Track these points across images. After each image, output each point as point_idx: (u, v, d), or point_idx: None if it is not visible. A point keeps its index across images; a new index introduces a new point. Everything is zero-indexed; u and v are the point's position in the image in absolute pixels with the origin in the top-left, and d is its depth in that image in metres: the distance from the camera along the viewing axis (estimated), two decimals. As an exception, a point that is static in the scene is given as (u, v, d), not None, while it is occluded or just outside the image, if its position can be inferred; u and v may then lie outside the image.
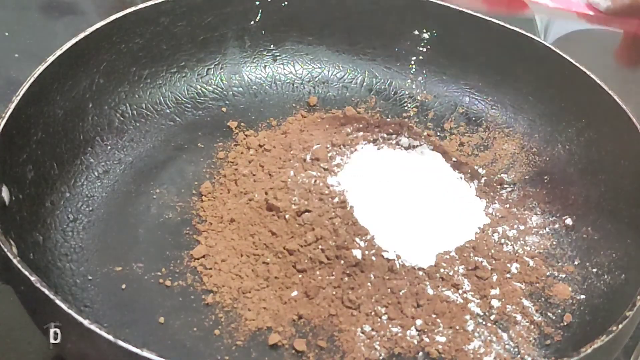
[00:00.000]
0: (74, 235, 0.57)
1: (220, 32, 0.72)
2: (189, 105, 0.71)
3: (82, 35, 0.62)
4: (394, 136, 0.69)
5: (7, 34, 0.80)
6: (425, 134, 0.70)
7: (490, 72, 0.73)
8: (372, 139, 0.68)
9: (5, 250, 0.46)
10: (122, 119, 0.66)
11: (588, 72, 0.66)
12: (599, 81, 0.65)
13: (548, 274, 0.59)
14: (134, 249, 0.58)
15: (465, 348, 0.53)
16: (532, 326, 0.56)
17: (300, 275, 0.56)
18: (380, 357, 0.53)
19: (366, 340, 0.53)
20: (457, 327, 0.54)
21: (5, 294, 0.52)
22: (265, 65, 0.75)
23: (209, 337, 0.53)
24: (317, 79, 0.75)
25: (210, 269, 0.56)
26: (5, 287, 0.48)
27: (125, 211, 0.60)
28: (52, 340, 0.44)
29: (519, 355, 0.53)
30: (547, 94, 0.70)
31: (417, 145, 0.68)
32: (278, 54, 0.75)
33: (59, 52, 0.60)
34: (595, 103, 0.65)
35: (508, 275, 0.59)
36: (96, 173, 0.62)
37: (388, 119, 0.72)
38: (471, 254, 0.59)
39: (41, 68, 0.58)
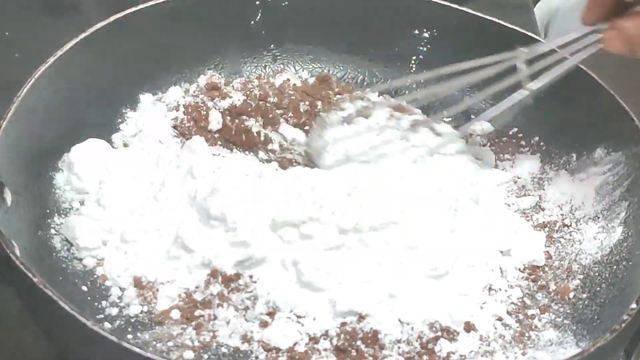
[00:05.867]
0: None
1: (220, 32, 0.72)
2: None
3: (82, 35, 0.62)
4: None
5: (7, 33, 0.80)
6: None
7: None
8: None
9: (8, 251, 0.46)
10: (122, 119, 0.66)
11: (589, 71, 0.66)
12: (599, 80, 0.65)
13: (550, 272, 0.60)
14: (136, 250, 0.58)
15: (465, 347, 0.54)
16: (534, 325, 0.56)
17: None
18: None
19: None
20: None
21: (6, 294, 0.52)
22: (266, 65, 0.75)
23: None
24: (317, 79, 0.75)
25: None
26: (6, 287, 0.48)
27: (127, 211, 0.60)
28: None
29: (521, 355, 0.53)
30: (547, 92, 0.70)
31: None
32: (278, 53, 0.75)
33: (59, 53, 0.60)
34: (596, 102, 0.65)
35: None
36: (97, 173, 0.62)
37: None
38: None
39: (42, 68, 0.58)
